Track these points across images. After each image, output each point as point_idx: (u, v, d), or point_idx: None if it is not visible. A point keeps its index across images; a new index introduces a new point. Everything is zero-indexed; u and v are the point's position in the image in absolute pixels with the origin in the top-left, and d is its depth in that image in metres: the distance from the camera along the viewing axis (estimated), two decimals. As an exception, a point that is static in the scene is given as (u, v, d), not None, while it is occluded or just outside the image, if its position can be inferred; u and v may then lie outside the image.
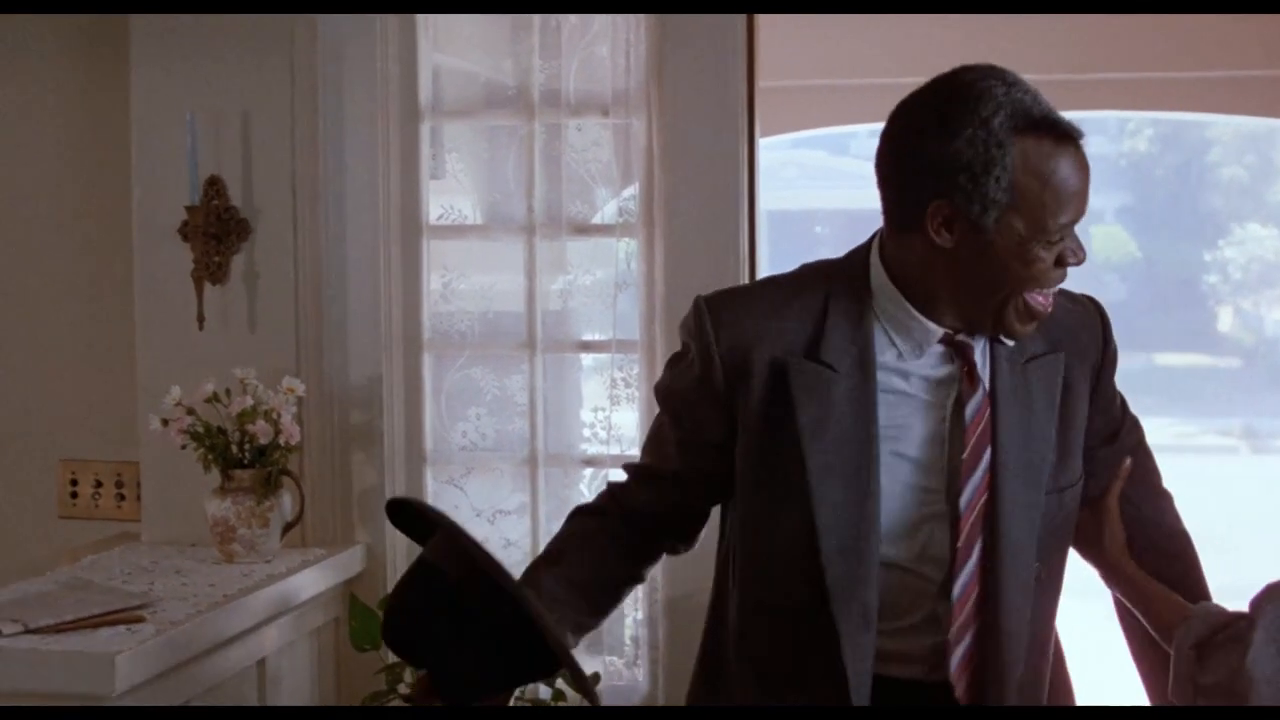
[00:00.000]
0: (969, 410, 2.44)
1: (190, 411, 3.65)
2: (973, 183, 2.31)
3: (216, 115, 3.89)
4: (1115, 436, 2.66)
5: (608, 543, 2.63)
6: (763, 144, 3.91)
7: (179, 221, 3.90)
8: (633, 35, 3.83)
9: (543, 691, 3.69)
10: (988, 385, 2.46)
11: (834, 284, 2.51)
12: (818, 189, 19.82)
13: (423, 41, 3.91)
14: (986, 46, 6.70)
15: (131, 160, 3.97)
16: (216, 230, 3.87)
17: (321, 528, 3.90)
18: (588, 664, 3.67)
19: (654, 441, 2.67)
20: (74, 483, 4.19)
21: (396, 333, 3.96)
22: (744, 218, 3.82)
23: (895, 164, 2.46)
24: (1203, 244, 17.52)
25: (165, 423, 3.66)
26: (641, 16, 3.80)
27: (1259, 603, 2.38)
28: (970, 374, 2.45)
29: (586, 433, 4.00)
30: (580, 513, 2.71)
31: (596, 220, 3.98)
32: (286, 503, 3.74)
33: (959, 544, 2.44)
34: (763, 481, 2.49)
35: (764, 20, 3.89)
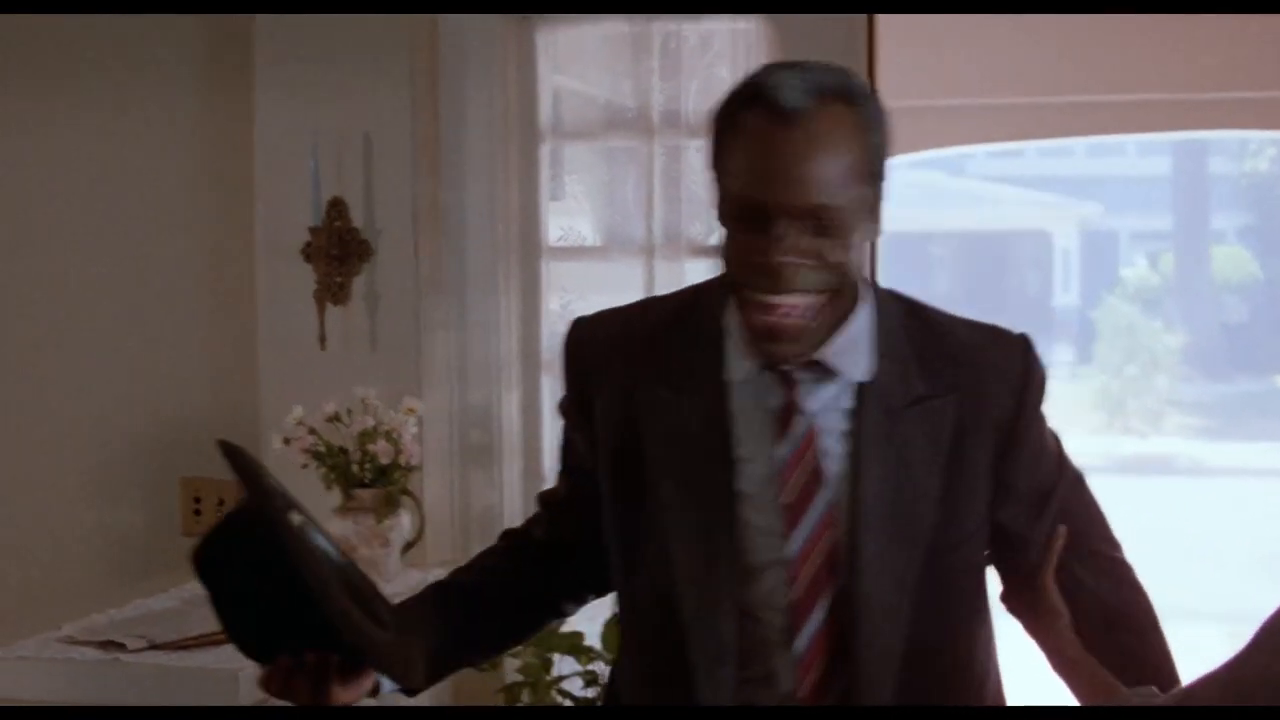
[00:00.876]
0: (781, 451, 2.23)
1: (312, 431, 3.68)
2: (712, 154, 2.19)
3: (339, 137, 3.93)
4: (1047, 501, 2.35)
5: (511, 563, 2.49)
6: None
7: (302, 242, 3.95)
8: (752, 55, 3.83)
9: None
10: (847, 426, 2.24)
11: (700, 300, 2.33)
12: (934, 210, 19.78)
13: (543, 63, 3.94)
14: (1102, 65, 6.67)
15: (255, 182, 4.02)
16: (338, 251, 3.91)
17: (440, 547, 3.91)
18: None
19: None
20: (197, 500, 4.23)
21: (515, 353, 3.98)
22: (864, 239, 3.80)
23: None
24: (1327, 264, 17.31)
25: (287, 441, 3.69)
26: (762, 36, 3.80)
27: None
28: (787, 408, 2.24)
29: (704, 454, 3.98)
30: (504, 534, 2.58)
31: (714, 241, 3.98)
32: (406, 522, 3.76)
33: (795, 595, 2.23)
34: (619, 512, 2.34)
35: (882, 40, 3.87)
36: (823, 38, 3.79)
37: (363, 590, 2.26)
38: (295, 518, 2.16)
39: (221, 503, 4.19)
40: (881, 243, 3.92)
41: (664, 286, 3.92)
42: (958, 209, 20.07)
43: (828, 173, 2.10)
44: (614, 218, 4.02)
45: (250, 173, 4.04)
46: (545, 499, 2.54)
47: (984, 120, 7.79)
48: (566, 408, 2.42)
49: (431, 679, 2.40)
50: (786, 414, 2.24)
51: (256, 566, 2.04)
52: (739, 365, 2.25)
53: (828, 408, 2.25)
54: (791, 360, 2.20)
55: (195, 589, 3.58)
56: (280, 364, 3.99)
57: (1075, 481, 2.40)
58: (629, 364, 2.31)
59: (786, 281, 2.12)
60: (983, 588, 2.37)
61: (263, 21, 3.98)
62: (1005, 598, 2.42)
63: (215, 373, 4.23)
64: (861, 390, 2.23)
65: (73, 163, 4.31)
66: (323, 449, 3.68)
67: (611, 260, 3.98)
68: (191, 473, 4.25)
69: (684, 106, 3.90)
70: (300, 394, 3.78)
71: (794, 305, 2.14)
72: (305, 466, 3.69)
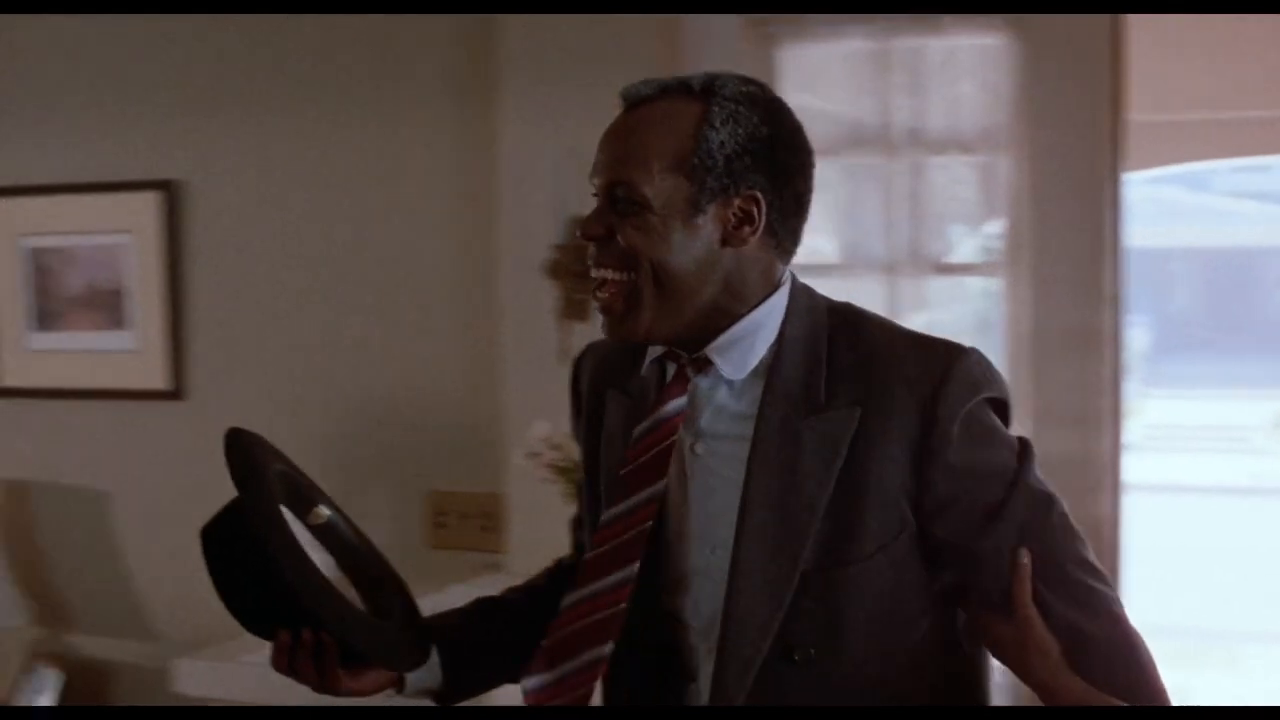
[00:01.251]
0: (641, 428, 2.23)
1: (555, 446, 3.71)
2: None
3: (583, 155, 3.94)
4: (995, 517, 2.16)
5: (551, 585, 2.46)
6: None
7: (545, 259, 3.98)
8: (996, 71, 3.79)
9: None
10: (744, 432, 2.18)
11: None
12: (1175, 226, 19.42)
13: (785, 81, 3.93)
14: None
15: (500, 198, 4.07)
16: (582, 269, 3.92)
17: (680, 563, 3.92)
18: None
19: None
20: (442, 514, 4.29)
21: (757, 370, 3.98)
22: (1110, 258, 3.75)
23: None
24: None
25: (530, 457, 3.72)
26: (1007, 51, 3.76)
27: None
28: (661, 396, 2.23)
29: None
30: (556, 560, 2.58)
31: (950, 258, 3.95)
32: (647, 538, 3.77)
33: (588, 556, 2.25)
34: (588, 519, 2.35)
35: (1130, 55, 3.81)
36: (1068, 51, 3.75)
37: (377, 581, 2.41)
38: (323, 510, 2.40)
39: (465, 517, 4.26)
40: (1123, 259, 3.89)
41: (905, 304, 3.90)
42: (1199, 225, 19.71)
43: (628, 150, 2.18)
44: (855, 235, 4.00)
45: (495, 189, 4.09)
46: (571, 523, 2.55)
47: (1229, 134, 7.64)
48: (572, 429, 2.46)
49: (468, 689, 2.41)
50: (660, 400, 2.23)
51: (246, 556, 2.19)
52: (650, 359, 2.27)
53: (723, 411, 2.22)
54: (621, 341, 2.23)
55: (435, 600, 3.64)
56: (523, 379, 4.04)
57: (1039, 501, 2.19)
58: (608, 376, 2.35)
59: (589, 254, 2.21)
60: (898, 612, 2.19)
61: (509, 40, 4.03)
62: (991, 644, 2.23)
63: (459, 388, 4.30)
64: (764, 399, 2.18)
65: (329, 179, 4.43)
66: (565, 464, 3.71)
67: (853, 278, 3.96)
68: (437, 486, 4.31)
69: (927, 123, 3.87)
70: (542, 409, 3.81)
71: (605, 280, 2.19)
72: (546, 481, 3.73)
